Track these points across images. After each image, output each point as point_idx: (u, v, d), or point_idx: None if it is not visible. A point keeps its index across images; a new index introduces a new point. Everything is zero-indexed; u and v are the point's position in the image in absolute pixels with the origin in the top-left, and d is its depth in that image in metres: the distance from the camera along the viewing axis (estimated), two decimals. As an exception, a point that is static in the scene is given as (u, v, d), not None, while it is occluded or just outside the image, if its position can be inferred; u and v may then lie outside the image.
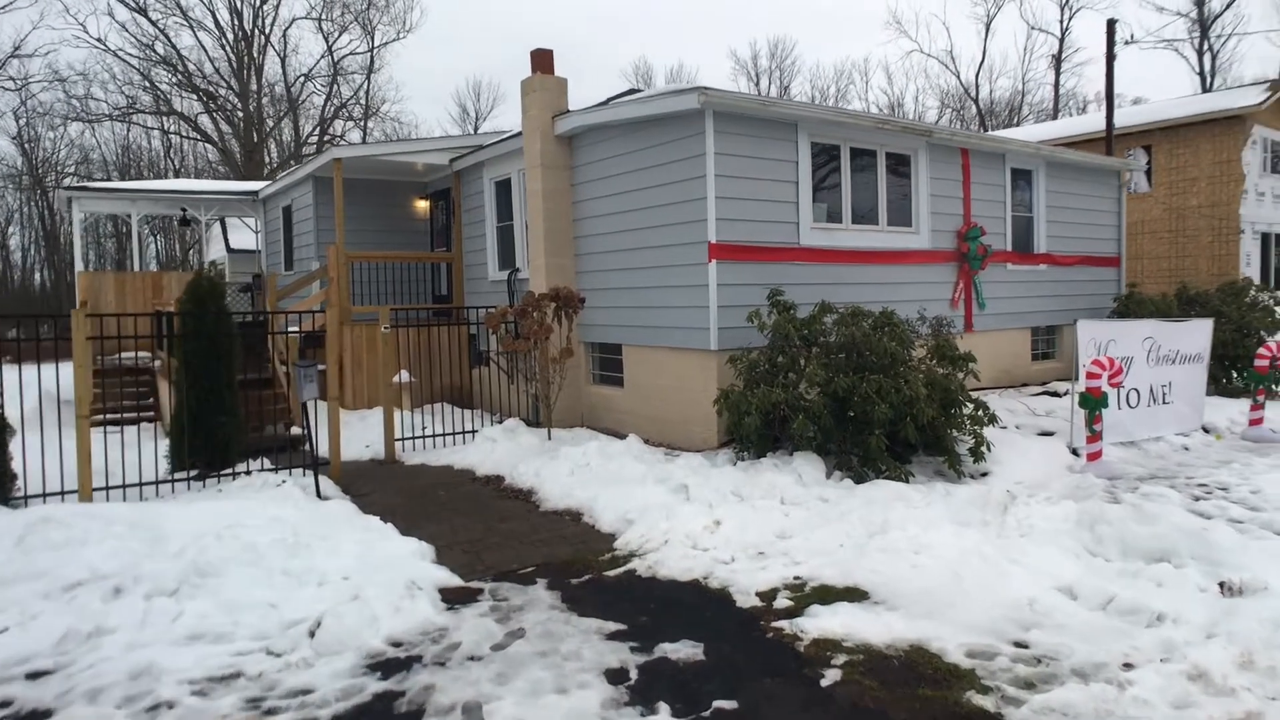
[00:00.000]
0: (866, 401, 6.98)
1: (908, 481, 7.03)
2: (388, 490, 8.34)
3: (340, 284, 12.75)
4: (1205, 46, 38.28)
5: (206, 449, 8.41)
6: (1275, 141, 25.01)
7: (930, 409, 7.08)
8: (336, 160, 12.68)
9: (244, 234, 21.41)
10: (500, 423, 10.52)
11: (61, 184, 15.46)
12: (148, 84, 39.73)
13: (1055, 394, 10.82)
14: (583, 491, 7.44)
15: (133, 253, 17.98)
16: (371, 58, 44.40)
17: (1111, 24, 19.35)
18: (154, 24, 38.71)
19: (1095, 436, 7.65)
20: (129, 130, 43.73)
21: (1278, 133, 25.04)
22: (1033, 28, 49.88)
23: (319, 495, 7.69)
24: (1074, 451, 8.23)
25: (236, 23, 41.17)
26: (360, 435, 10.98)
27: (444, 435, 10.19)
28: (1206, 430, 9.49)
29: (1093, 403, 7.58)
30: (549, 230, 10.61)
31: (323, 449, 9.52)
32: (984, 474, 7.53)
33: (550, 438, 9.50)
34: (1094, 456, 7.67)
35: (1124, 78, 61.19)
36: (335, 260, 12.72)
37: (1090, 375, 7.66)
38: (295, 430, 11.52)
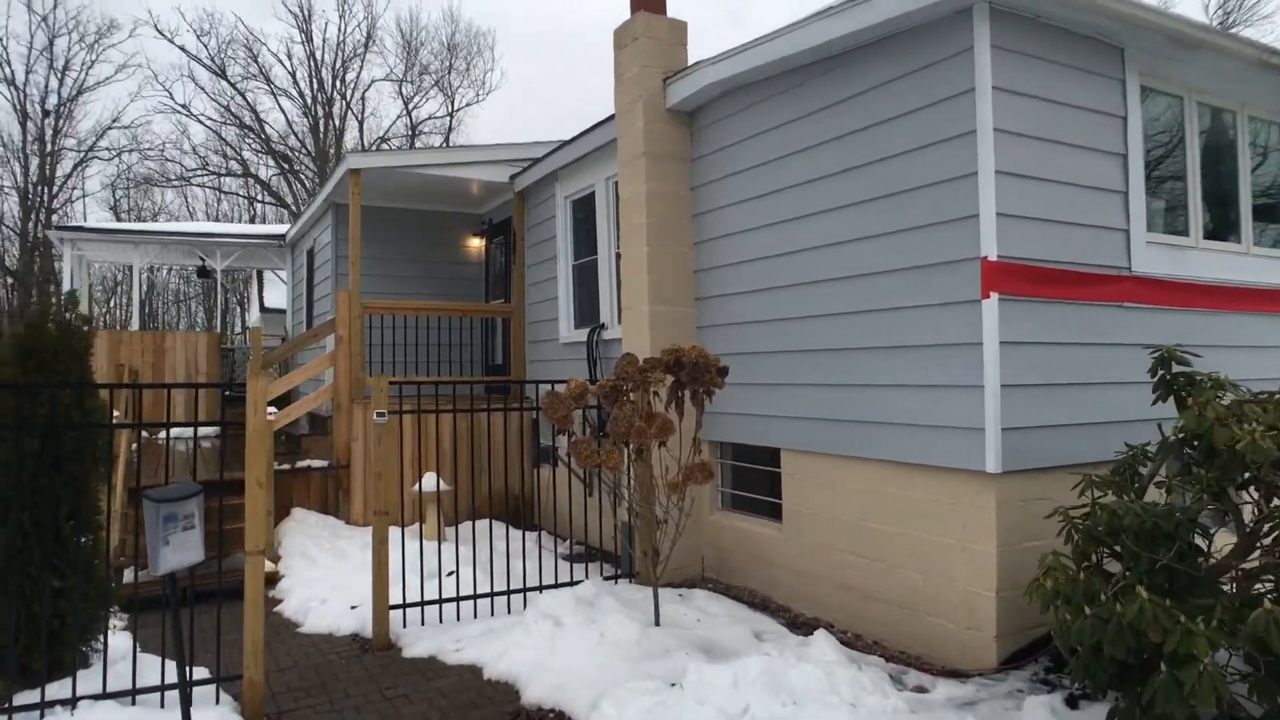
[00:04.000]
0: None
1: None
2: (342, 745, 4.21)
3: (352, 344, 8.94)
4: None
5: (23, 637, 4.48)
6: None
7: None
8: (352, 173, 9.02)
9: (282, 290, 18.16)
10: (569, 569, 6.34)
11: (54, 224, 12.79)
12: (229, 149, 38.25)
13: None
14: (753, 817, 3.15)
15: (133, 307, 14.89)
16: (451, 120, 42.35)
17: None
18: (233, 86, 37.37)
19: None
20: (220, 200, 42.16)
21: None
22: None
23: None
24: None
25: (316, 85, 39.67)
26: (357, 580, 6.94)
27: (476, 597, 6.04)
28: None
29: None
30: (655, 258, 6.57)
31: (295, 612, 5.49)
32: None
33: (659, 621, 5.24)
34: None
35: None
36: (346, 310, 8.93)
37: None
38: (266, 566, 7.56)
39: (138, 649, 4.63)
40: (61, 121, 35.19)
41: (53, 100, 34.54)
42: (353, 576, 7.13)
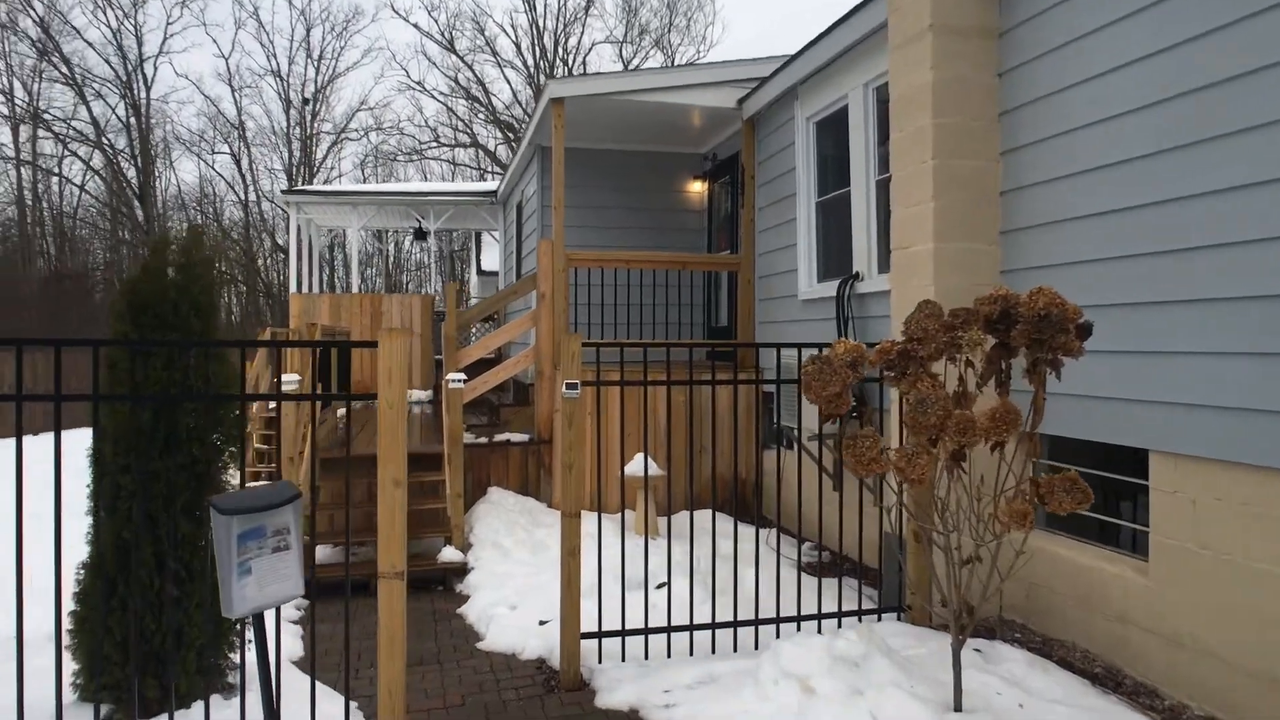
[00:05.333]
0: None
1: None
2: None
3: (555, 301, 7.78)
4: None
5: (133, 658, 3.53)
6: None
7: None
8: (554, 103, 7.78)
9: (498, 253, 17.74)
10: (816, 590, 4.70)
11: (284, 189, 12.91)
12: (459, 121, 39.58)
13: None
14: None
15: (351, 270, 14.90)
16: (671, 78, 41.15)
17: None
18: (461, 59, 38.48)
19: None
20: (454, 173, 43.91)
21: None
22: None
23: None
24: None
25: (538, 53, 39.98)
26: (553, 582, 5.73)
27: (693, 629, 4.58)
28: None
29: None
30: (944, 175, 4.71)
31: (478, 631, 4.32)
32: None
33: (960, 703, 3.50)
34: None
35: None
36: (548, 261, 7.78)
37: None
38: (451, 555, 6.58)
39: (265, 672, 3.56)
40: (318, 106, 37.86)
41: (310, 88, 37.17)
42: (548, 576, 5.95)
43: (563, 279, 7.76)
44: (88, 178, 34.05)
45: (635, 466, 6.84)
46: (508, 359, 9.43)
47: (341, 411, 9.47)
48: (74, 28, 31.02)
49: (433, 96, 39.06)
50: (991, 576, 3.32)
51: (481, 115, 40.32)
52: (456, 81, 38.05)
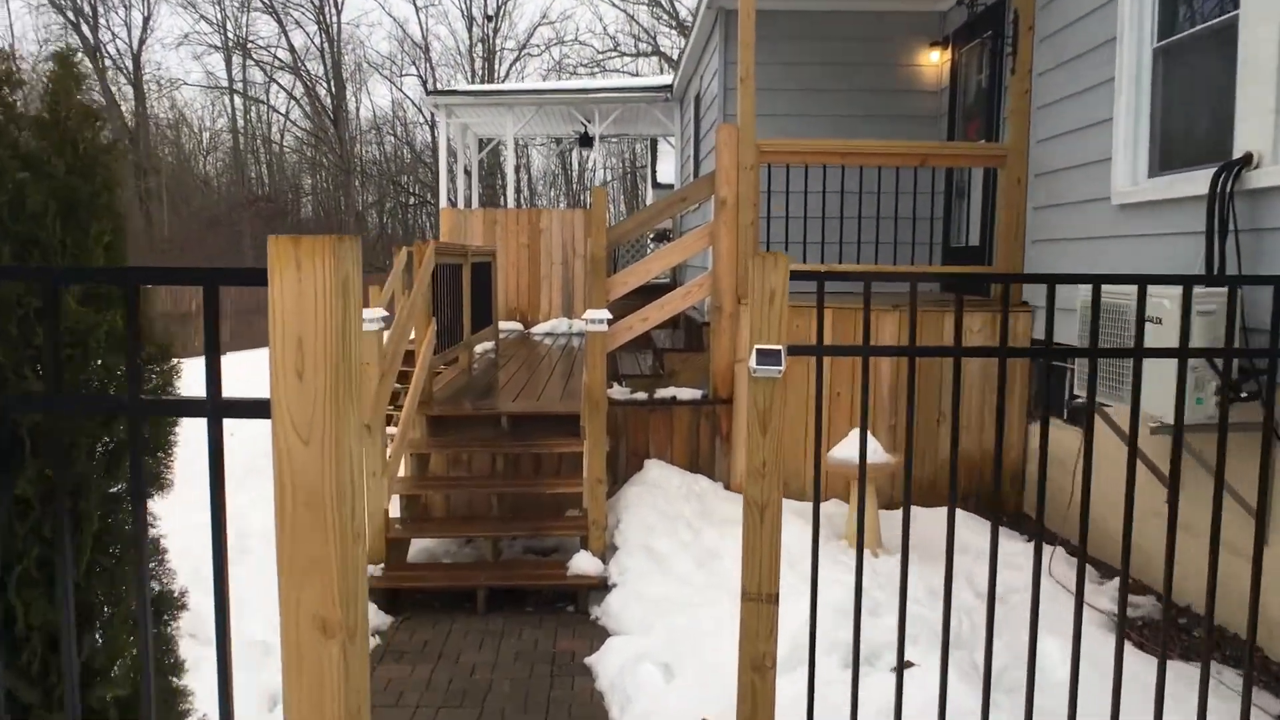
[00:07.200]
0: None
1: None
2: None
3: (740, 210, 5.70)
4: None
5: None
6: None
7: None
8: (745, -74, 5.51)
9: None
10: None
11: (429, 90, 11.45)
12: (640, 29, 37.29)
13: None
14: None
15: (508, 182, 13.35)
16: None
17: None
18: (639, -39, 35.89)
19: None
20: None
21: None
22: None
23: None
24: None
25: (728, -53, 36.73)
26: (730, 621, 3.82)
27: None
28: None
29: None
30: None
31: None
32: None
33: None
34: None
35: None
36: (730, 156, 5.67)
37: None
38: (585, 564, 4.81)
39: None
40: (500, 22, 36.73)
41: (492, 4, 36.02)
42: (722, 609, 4.03)
43: (751, 179, 5.62)
44: (290, 105, 34.91)
45: (848, 449, 4.74)
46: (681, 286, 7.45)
47: (480, 347, 7.90)
48: (271, -47, 31.21)
49: (612, 4, 36.78)
50: None
51: (664, 20, 37.76)
52: (641, -12, 35.62)
